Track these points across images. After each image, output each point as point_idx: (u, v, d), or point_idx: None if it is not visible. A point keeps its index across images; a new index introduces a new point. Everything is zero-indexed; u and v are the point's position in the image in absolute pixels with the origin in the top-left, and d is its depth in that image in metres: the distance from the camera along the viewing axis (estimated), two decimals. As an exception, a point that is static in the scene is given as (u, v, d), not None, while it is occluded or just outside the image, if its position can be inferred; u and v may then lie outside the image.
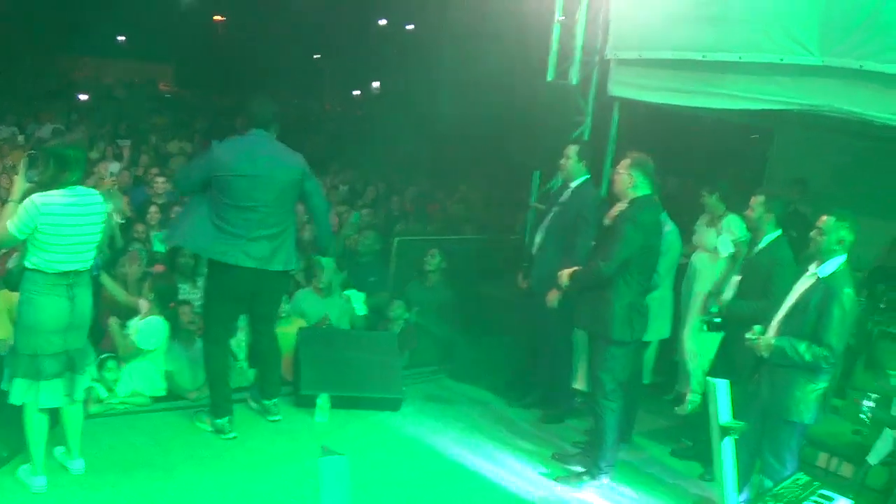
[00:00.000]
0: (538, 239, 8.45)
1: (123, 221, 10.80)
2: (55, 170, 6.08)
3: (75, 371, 6.31)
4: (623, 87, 9.19)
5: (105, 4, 37.04)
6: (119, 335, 8.05)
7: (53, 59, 32.06)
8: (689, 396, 8.77)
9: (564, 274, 7.21)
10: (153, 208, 11.29)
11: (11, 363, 6.22)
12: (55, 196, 6.01)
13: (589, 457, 7.30)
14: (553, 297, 7.85)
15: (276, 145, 7.48)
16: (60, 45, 32.75)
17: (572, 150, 8.31)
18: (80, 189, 6.14)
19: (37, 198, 5.98)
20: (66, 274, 6.08)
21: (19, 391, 6.17)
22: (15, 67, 28.14)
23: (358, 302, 9.97)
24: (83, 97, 27.72)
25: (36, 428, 6.27)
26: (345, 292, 10.02)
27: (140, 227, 10.73)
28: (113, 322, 8.12)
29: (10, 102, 22.54)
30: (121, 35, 48.12)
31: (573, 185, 8.28)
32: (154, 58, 45.63)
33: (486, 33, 13.40)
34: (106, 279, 8.48)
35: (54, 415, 6.44)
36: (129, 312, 8.41)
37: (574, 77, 9.49)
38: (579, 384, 8.39)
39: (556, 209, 8.34)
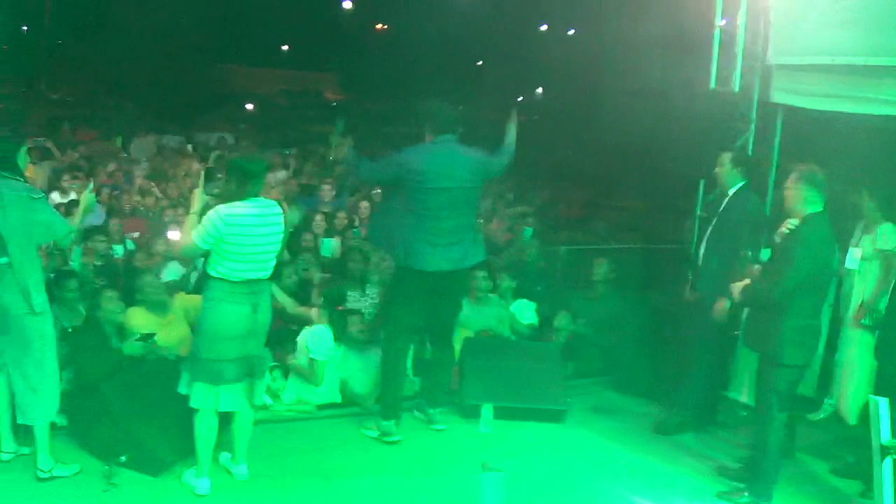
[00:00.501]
0: (702, 250, 8.37)
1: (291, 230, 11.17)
2: (237, 183, 6.37)
3: (254, 376, 6.56)
4: (784, 93, 8.98)
5: (269, 15, 38.03)
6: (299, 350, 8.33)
7: (218, 69, 32.91)
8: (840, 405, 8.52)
9: (737, 287, 7.08)
10: (318, 217, 11.63)
11: (192, 368, 6.48)
12: (238, 208, 6.29)
13: (750, 472, 7.17)
14: (721, 308, 7.81)
15: (466, 149, 7.69)
16: (225, 56, 33.68)
17: (726, 157, 8.23)
18: (261, 200, 6.42)
19: (221, 209, 6.28)
20: (248, 282, 6.34)
21: (199, 395, 6.42)
22: (181, 77, 29.04)
23: (528, 311, 10.00)
24: (249, 106, 28.58)
25: (207, 432, 6.51)
26: (515, 301, 10.07)
27: (308, 236, 11.00)
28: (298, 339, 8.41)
29: (177, 112, 23.33)
30: (284, 45, 49.33)
31: (731, 192, 8.18)
32: (318, 67, 46.52)
33: (647, 40, 13.27)
34: (275, 289, 8.77)
35: (222, 420, 6.65)
36: (299, 321, 8.71)
37: (736, 84, 9.35)
38: (742, 396, 8.29)
39: (716, 219, 8.25)
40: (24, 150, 6.79)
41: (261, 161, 6.65)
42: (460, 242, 7.69)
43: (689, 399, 8.48)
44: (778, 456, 7.01)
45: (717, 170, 8.27)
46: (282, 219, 6.52)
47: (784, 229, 6.86)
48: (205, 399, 6.43)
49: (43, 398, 6.51)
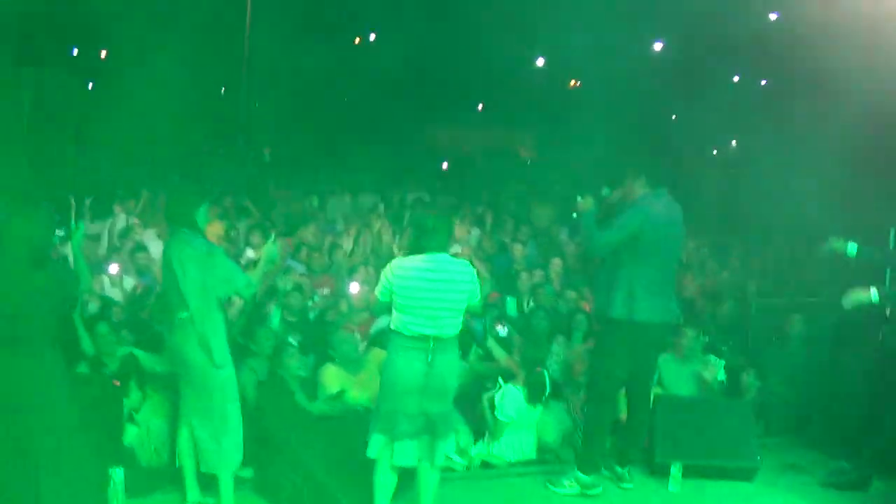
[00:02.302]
0: None
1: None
2: (415, 237, 6.58)
3: (435, 435, 6.56)
4: None
5: (465, 75, 38.70)
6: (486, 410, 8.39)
7: (416, 129, 33.56)
8: None
9: None
10: (525, 276, 11.76)
11: (373, 418, 6.63)
12: (413, 261, 6.45)
13: None
14: None
15: (675, 203, 7.76)
16: (423, 116, 34.33)
17: None
18: (441, 256, 6.51)
19: (395, 262, 6.50)
20: (424, 338, 6.40)
21: (375, 446, 6.54)
22: (378, 138, 29.64)
23: (718, 368, 9.81)
24: (444, 165, 29.02)
25: (383, 485, 6.61)
26: (707, 357, 9.91)
27: (494, 295, 11.08)
28: (485, 398, 8.48)
29: (374, 172, 23.84)
30: (480, 103, 50.02)
31: None
32: (514, 124, 46.95)
33: (839, 89, 12.92)
34: (491, 342, 9.01)
35: (409, 475, 6.71)
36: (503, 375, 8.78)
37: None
38: None
39: None
40: (204, 207, 7.04)
41: (438, 217, 6.75)
42: (671, 296, 7.82)
43: (878, 453, 8.21)
44: None
45: None
46: (465, 277, 6.55)
47: None
48: (380, 451, 6.53)
49: (226, 449, 6.74)
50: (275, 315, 9.50)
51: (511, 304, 11.21)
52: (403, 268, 6.45)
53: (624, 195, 7.77)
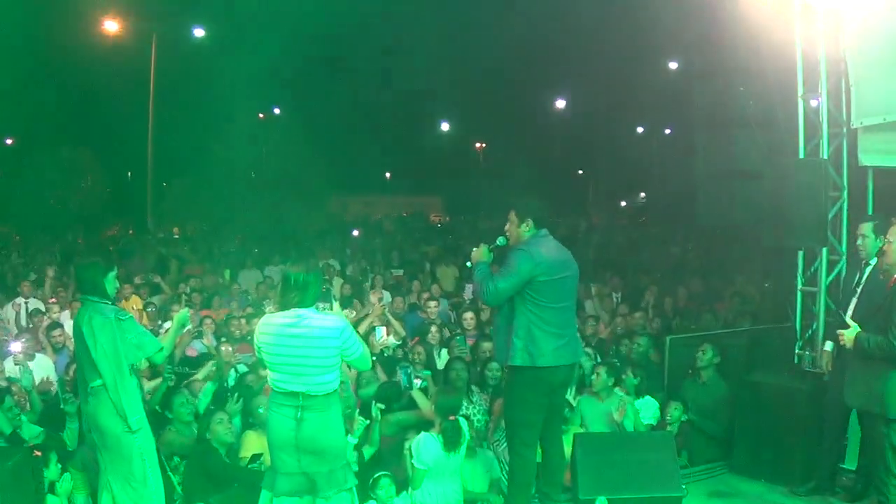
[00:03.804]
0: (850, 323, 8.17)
1: (400, 343, 11.25)
2: (280, 292, 6.51)
3: (316, 495, 6.46)
4: (872, 154, 8.91)
5: (371, 147, 39.00)
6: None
7: (324, 201, 33.70)
8: None
9: (848, 337, 6.96)
10: (433, 328, 11.76)
11: (264, 475, 6.61)
12: (276, 317, 6.41)
13: None
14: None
15: (558, 242, 7.77)
16: (331, 187, 34.48)
17: (867, 227, 8.14)
18: (306, 312, 6.38)
19: (261, 319, 6.51)
20: (293, 395, 6.32)
21: (264, 501, 6.51)
22: (285, 210, 29.67)
23: (652, 409, 9.83)
24: (354, 233, 29.15)
25: None
26: (641, 399, 9.91)
27: (420, 349, 11.05)
28: (406, 447, 8.39)
29: (282, 244, 23.84)
30: (388, 172, 50.47)
31: (874, 262, 7.98)
32: (422, 191, 47.33)
33: (735, 121, 13.28)
34: (416, 392, 8.98)
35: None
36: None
37: (824, 151, 9.27)
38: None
39: (861, 288, 8.14)
40: (112, 275, 7.05)
41: (304, 272, 6.51)
42: (574, 336, 7.84)
43: (817, 469, 8.41)
44: None
45: (859, 241, 8.17)
46: (332, 332, 6.39)
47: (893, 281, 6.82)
48: None
49: None
50: (206, 394, 9.32)
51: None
52: (266, 324, 6.43)
53: (512, 240, 7.74)
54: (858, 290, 8.14)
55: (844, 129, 9.20)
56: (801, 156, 9.49)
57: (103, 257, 7.70)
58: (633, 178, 41.09)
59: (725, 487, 8.89)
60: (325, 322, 6.41)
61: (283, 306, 6.44)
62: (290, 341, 6.31)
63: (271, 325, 6.40)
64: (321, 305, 6.70)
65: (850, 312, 8.05)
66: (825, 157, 9.26)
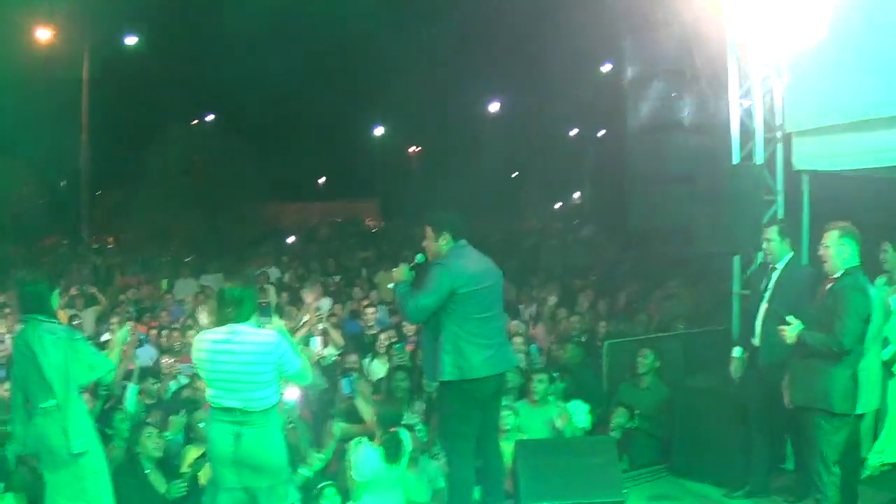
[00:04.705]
0: (758, 327, 8.28)
1: (340, 352, 11.17)
2: (217, 309, 6.45)
3: None
4: (806, 159, 9.04)
5: (304, 152, 38.77)
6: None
7: (257, 207, 33.34)
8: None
9: (790, 334, 7.04)
10: (383, 336, 11.70)
11: (206, 491, 6.57)
12: (211, 334, 6.36)
13: None
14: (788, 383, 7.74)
15: (478, 252, 7.73)
16: (265, 194, 34.18)
17: (773, 231, 8.26)
18: (241, 327, 6.31)
19: (198, 335, 6.49)
20: (231, 410, 6.26)
21: None
22: (220, 217, 29.47)
23: (582, 413, 9.87)
24: (290, 239, 28.96)
25: None
26: (570, 403, 9.95)
27: (353, 357, 10.97)
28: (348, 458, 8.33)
29: (216, 251, 23.63)
30: (322, 178, 50.22)
31: (780, 265, 8.17)
32: (358, 195, 47.21)
33: (669, 125, 13.37)
34: (359, 401, 9.01)
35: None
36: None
37: (759, 157, 9.38)
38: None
39: (769, 293, 8.20)
40: (56, 292, 6.97)
41: (239, 288, 6.49)
42: (503, 344, 7.79)
43: (752, 472, 8.49)
44: None
45: (764, 245, 8.26)
46: (268, 348, 6.33)
47: (828, 286, 6.97)
48: None
49: None
50: (131, 396, 9.24)
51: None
52: (202, 340, 6.38)
53: (430, 255, 7.69)
54: (767, 294, 8.23)
55: (779, 134, 9.32)
56: (736, 160, 9.59)
57: (46, 275, 7.59)
58: (567, 181, 41.29)
59: (667, 490, 8.95)
60: (260, 338, 6.34)
61: (219, 322, 6.37)
62: (224, 357, 6.24)
63: (206, 342, 6.34)
64: (261, 320, 6.63)
65: (760, 315, 8.23)
66: (760, 161, 9.37)
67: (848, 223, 6.99)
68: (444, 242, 7.57)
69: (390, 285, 7.73)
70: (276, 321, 6.73)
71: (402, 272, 7.60)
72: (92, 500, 6.54)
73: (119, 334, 7.18)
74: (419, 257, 7.78)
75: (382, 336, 11.71)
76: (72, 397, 6.56)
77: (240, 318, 6.31)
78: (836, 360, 6.78)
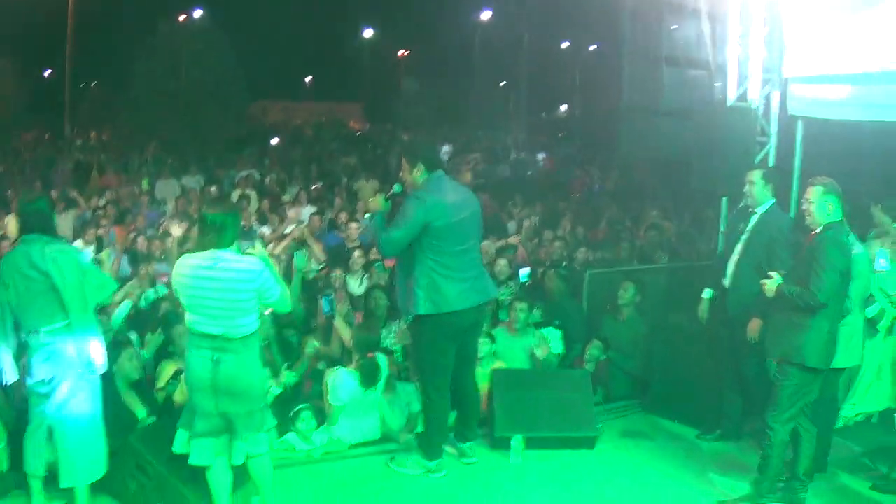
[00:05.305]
0: (731, 268, 8.28)
1: (322, 267, 11.09)
2: (199, 233, 6.36)
3: (234, 435, 6.38)
4: (802, 105, 8.96)
5: (292, 51, 38.32)
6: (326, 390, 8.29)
7: (242, 105, 32.79)
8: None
9: (769, 287, 7.03)
10: (357, 252, 11.48)
11: (182, 414, 6.51)
12: (192, 259, 6.24)
13: (781, 489, 7.16)
14: (755, 327, 7.85)
15: (456, 182, 7.73)
16: (249, 92, 33.75)
17: (756, 174, 8.15)
18: (222, 254, 6.19)
19: (179, 259, 6.34)
20: (210, 337, 6.18)
21: (181, 441, 6.41)
22: (203, 116, 29.20)
23: (555, 340, 9.91)
24: (274, 141, 28.65)
25: (214, 481, 6.45)
26: (542, 330, 9.98)
27: (338, 272, 10.90)
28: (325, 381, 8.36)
29: (200, 151, 23.35)
30: (307, 76, 49.71)
31: (760, 210, 8.11)
32: (342, 97, 46.84)
33: (666, 56, 13.22)
34: (338, 320, 8.99)
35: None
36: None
37: (754, 99, 9.30)
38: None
39: (747, 237, 8.16)
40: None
41: (222, 213, 6.30)
42: (481, 275, 7.75)
43: (724, 415, 8.56)
44: (780, 459, 7.03)
45: (746, 188, 8.17)
46: (248, 276, 6.22)
47: (811, 239, 6.92)
48: (185, 446, 6.40)
49: (94, 459, 6.58)
50: (120, 314, 9.10)
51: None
52: (183, 265, 6.26)
53: (407, 187, 7.61)
54: (744, 237, 8.20)
55: (775, 77, 9.22)
56: (731, 100, 9.51)
57: (47, 192, 7.46)
58: (555, 93, 41.06)
59: (638, 427, 8.99)
60: (242, 265, 6.22)
61: (201, 247, 6.26)
62: (205, 283, 6.14)
63: (187, 267, 6.23)
64: (243, 244, 6.54)
65: (734, 257, 8.23)
66: (755, 104, 9.30)
67: (828, 179, 6.91)
68: (418, 174, 7.49)
69: (367, 216, 7.62)
70: (259, 247, 6.62)
71: (378, 203, 7.52)
72: (91, 423, 6.56)
73: (104, 255, 7.11)
74: (396, 188, 7.71)
75: (357, 253, 11.50)
76: (89, 317, 6.50)
77: (222, 245, 6.19)
78: (813, 314, 6.77)
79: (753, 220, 8.16)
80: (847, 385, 7.84)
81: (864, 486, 7.68)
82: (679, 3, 11.73)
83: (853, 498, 7.55)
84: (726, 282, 8.33)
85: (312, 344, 8.98)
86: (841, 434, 8.14)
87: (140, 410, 7.82)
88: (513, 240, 13.57)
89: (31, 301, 6.39)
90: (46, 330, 6.38)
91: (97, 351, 6.54)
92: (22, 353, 6.57)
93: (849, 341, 7.15)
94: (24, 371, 6.58)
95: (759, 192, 8.09)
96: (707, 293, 8.66)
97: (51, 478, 6.67)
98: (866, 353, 7.68)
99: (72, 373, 6.45)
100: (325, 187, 19.07)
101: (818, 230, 6.87)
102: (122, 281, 9.82)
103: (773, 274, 7.06)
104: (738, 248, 8.23)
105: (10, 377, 6.55)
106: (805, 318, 6.80)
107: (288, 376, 8.50)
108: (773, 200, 8.13)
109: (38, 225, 6.51)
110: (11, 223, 12.22)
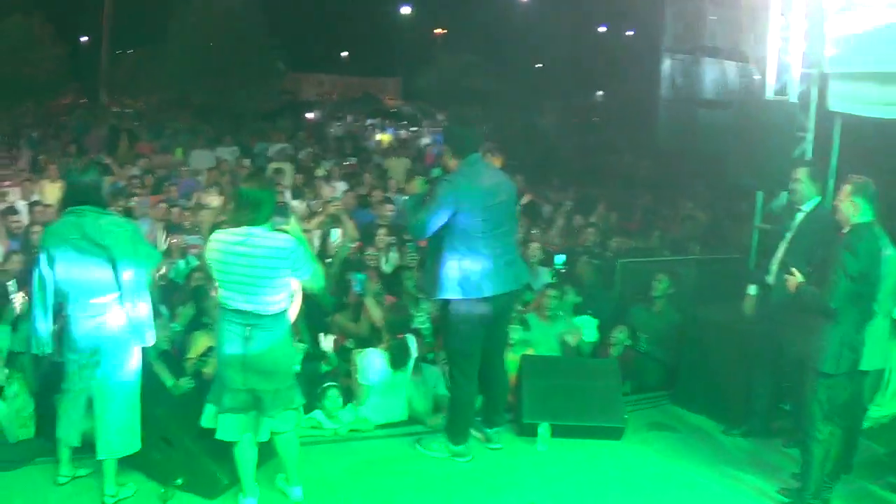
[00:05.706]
0: (774, 267, 8.19)
1: (355, 244, 11.12)
2: (233, 208, 6.33)
3: (262, 412, 6.42)
4: (842, 101, 8.88)
5: (328, 24, 38.23)
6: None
7: (278, 78, 32.68)
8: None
9: (791, 283, 7.03)
10: (382, 231, 11.52)
11: (211, 388, 6.55)
12: (226, 235, 6.23)
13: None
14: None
15: (492, 166, 7.71)
16: (285, 65, 33.61)
17: (803, 172, 8.04)
18: (256, 230, 6.18)
19: (213, 234, 6.32)
20: (242, 313, 6.22)
21: (208, 415, 6.46)
22: (239, 88, 29.20)
23: (590, 328, 9.92)
24: (309, 115, 28.58)
25: (241, 455, 6.51)
26: (578, 318, 9.99)
27: (372, 249, 10.98)
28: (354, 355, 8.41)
29: (234, 123, 23.29)
30: (344, 51, 49.61)
31: (805, 208, 8.02)
32: (378, 72, 46.76)
33: (706, 47, 13.14)
34: (369, 300, 9.01)
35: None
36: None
37: (793, 93, 9.22)
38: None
39: (793, 235, 8.09)
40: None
41: (257, 189, 6.30)
42: (514, 261, 7.71)
43: (752, 412, 8.53)
44: (821, 469, 6.98)
45: (792, 185, 8.08)
46: (281, 253, 6.21)
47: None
48: (213, 421, 6.44)
49: (131, 431, 6.63)
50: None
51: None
52: (216, 241, 6.25)
53: (446, 171, 7.57)
54: (788, 235, 8.13)
55: (816, 73, 9.14)
56: (770, 94, 9.44)
57: (98, 163, 7.45)
58: (591, 78, 40.77)
59: (666, 419, 8.97)
60: (275, 242, 6.22)
61: (235, 222, 6.26)
62: (237, 259, 6.15)
63: (220, 242, 6.24)
64: (277, 220, 6.54)
65: (778, 255, 8.15)
66: (794, 98, 9.23)
67: (862, 178, 6.83)
68: (455, 158, 7.47)
69: (403, 197, 7.63)
70: (293, 224, 6.61)
71: (416, 185, 7.55)
72: (131, 395, 6.62)
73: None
74: (434, 171, 7.72)
75: (382, 231, 11.55)
76: (143, 289, 6.52)
77: (257, 221, 6.19)
78: (827, 318, 6.73)
79: (799, 217, 8.09)
80: (874, 387, 7.78)
81: (887, 489, 7.63)
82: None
83: (876, 500, 7.51)
84: (770, 279, 8.25)
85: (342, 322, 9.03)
86: (865, 435, 8.06)
87: (168, 379, 7.89)
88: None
89: (81, 273, 6.37)
90: (96, 302, 6.40)
91: (148, 324, 6.58)
92: (59, 324, 6.57)
93: (875, 344, 7.09)
94: (62, 343, 6.59)
95: (805, 190, 7.98)
96: (752, 289, 8.55)
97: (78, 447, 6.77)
98: (893, 354, 7.65)
99: (120, 346, 6.49)
100: (358, 163, 19.08)
101: (845, 231, 6.83)
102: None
103: (795, 271, 7.04)
104: (783, 245, 8.16)
105: (46, 348, 6.56)
106: (822, 322, 6.78)
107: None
108: (819, 199, 8.03)
109: (91, 196, 6.47)
110: (47, 187, 12.46)
